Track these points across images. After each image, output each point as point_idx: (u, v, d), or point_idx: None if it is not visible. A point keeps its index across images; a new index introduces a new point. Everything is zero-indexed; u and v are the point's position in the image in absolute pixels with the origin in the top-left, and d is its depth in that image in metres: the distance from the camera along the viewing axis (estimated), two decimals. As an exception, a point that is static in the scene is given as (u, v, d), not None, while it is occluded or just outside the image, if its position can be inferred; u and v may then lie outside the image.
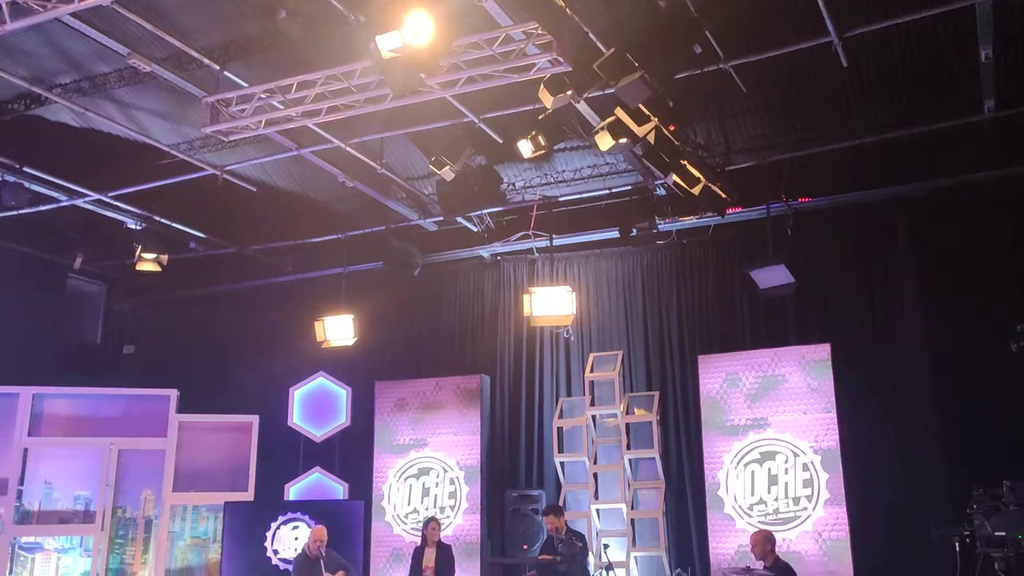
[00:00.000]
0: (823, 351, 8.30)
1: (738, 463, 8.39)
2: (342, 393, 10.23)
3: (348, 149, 8.08)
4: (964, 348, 8.05)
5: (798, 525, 8.03)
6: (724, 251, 9.35)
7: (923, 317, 8.38)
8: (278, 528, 9.24)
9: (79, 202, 9.06)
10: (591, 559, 8.40)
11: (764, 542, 7.21)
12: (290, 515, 9.35)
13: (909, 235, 8.56)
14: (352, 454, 10.27)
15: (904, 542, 7.82)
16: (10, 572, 8.99)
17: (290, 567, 8.53)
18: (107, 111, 7.87)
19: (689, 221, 9.15)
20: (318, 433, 10.10)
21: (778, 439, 8.29)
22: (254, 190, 9.21)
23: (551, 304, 8.70)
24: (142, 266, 9.38)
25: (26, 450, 9.25)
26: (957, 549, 6.27)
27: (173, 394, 9.72)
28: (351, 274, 10.30)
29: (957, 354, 8.09)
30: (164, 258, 9.45)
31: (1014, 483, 6.02)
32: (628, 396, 9.29)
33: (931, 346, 8.28)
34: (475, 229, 9.99)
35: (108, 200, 9.06)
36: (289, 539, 9.24)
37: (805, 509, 8.04)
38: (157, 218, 9.50)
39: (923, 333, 8.35)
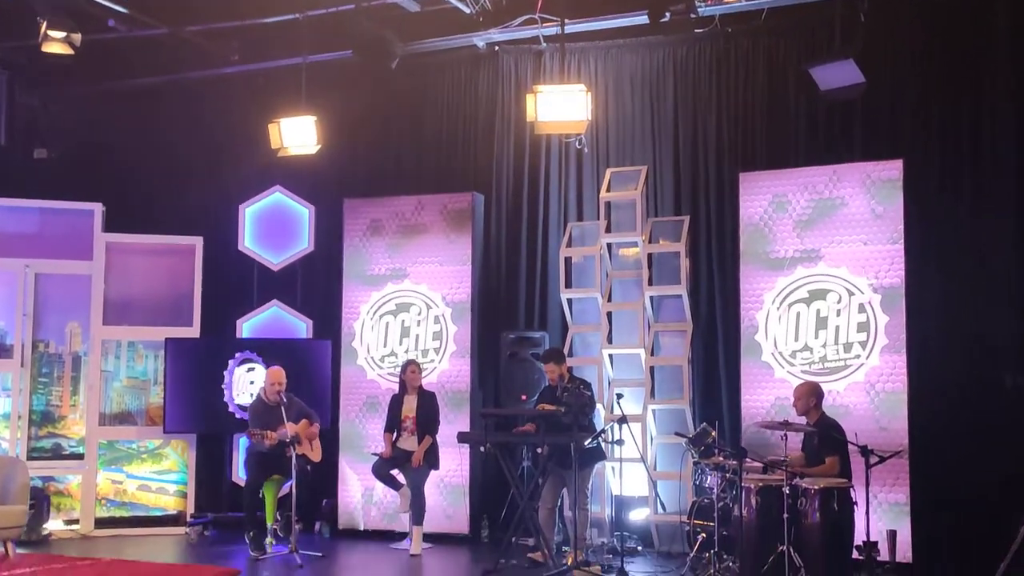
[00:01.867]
0: (893, 169, 8.07)
1: (781, 303, 8.35)
2: (304, 212, 10.16)
3: None
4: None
5: (848, 375, 8.05)
6: (778, 42, 9.03)
7: (1017, 132, 8.12)
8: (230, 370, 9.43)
9: (-36, -38, 8.57)
10: (600, 411, 8.54)
11: (809, 396, 7.29)
12: (244, 355, 9.51)
13: (1011, 27, 8.15)
14: (317, 285, 10.34)
15: (970, 395, 7.90)
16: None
17: (245, 415, 8.70)
18: None
19: (737, 3, 8.74)
20: (275, 260, 10.09)
21: (831, 275, 8.20)
22: (188, -48, 8.69)
23: (561, 107, 8.35)
24: (49, 47, 8.92)
25: (-77, 271, 9.25)
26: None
27: (97, 208, 9.65)
28: (312, 65, 9.90)
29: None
30: (76, 38, 8.96)
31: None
32: (652, 221, 9.19)
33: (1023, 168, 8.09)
34: (467, 11, 9.51)
35: (0, -40, 8.57)
36: (244, 382, 9.43)
37: (858, 357, 8.04)
38: (64, -15, 9.01)
39: (1016, 152, 8.11)
